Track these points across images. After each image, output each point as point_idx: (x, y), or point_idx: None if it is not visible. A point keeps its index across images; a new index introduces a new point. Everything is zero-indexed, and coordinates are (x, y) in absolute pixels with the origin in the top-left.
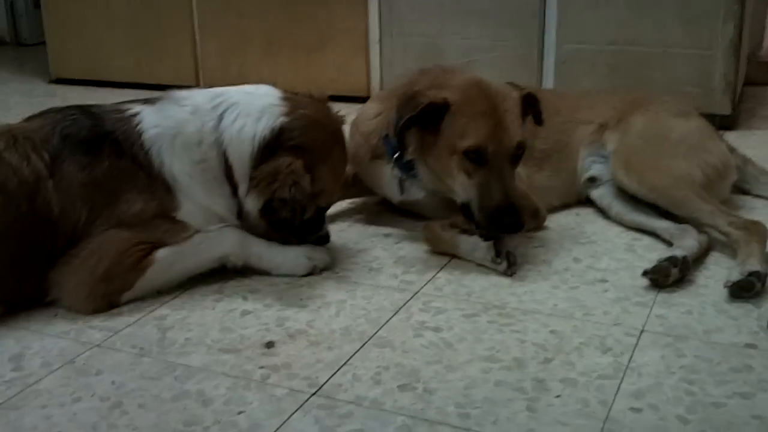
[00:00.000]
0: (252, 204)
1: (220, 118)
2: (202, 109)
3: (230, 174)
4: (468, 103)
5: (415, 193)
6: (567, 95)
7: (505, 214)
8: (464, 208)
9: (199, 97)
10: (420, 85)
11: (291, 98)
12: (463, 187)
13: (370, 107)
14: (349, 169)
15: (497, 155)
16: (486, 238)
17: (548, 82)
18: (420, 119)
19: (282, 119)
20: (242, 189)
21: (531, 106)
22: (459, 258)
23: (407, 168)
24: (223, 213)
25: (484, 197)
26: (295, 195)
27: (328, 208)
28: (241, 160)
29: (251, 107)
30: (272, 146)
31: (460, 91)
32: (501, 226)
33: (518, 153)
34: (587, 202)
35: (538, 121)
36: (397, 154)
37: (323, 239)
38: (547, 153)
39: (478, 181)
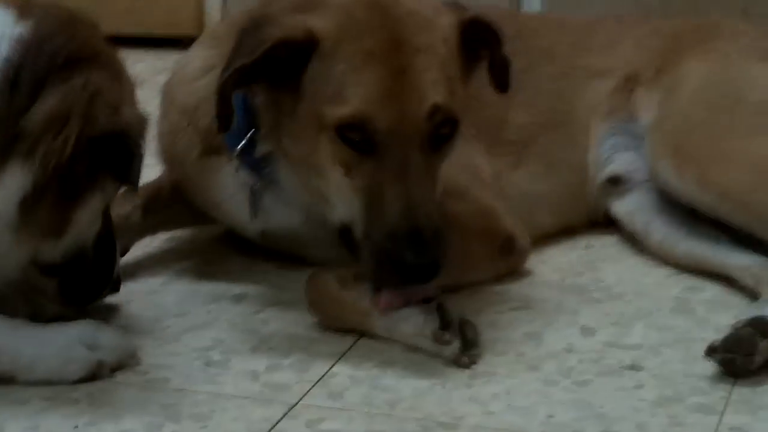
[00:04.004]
0: (16, 181)
1: None
2: None
3: None
4: (350, 37)
5: (282, 214)
6: (567, 24)
7: (404, 246)
8: (344, 234)
9: None
10: (278, 6)
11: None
12: (339, 193)
13: (198, 55)
14: (160, 176)
15: (396, 134)
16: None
17: (533, 3)
18: (267, 70)
19: (22, 24)
20: None
21: (484, 42)
22: (373, 336)
23: (263, 167)
24: None
25: (372, 212)
26: (133, 122)
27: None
28: None
29: None
30: (29, 73)
31: (340, 14)
32: (397, 269)
33: (438, 129)
34: (606, 221)
35: (501, 82)
36: (243, 142)
37: (111, 284)
38: (532, 133)
39: (362, 181)
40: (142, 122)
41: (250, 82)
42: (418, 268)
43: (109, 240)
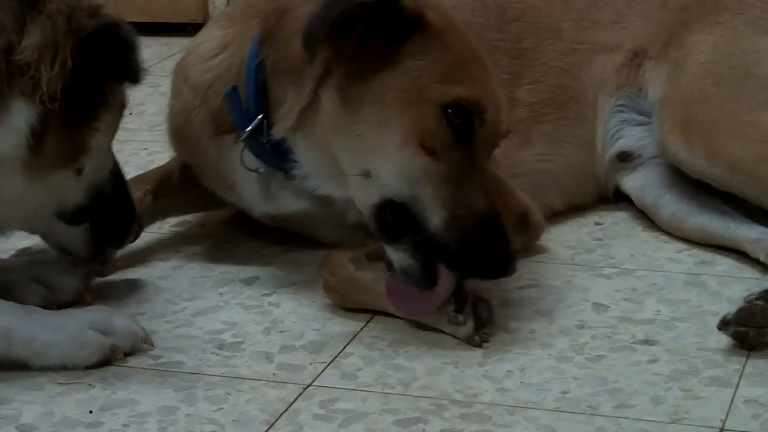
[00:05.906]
0: (23, 118)
1: None
2: None
3: None
4: (458, 39)
5: (290, 198)
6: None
7: (494, 237)
8: (385, 210)
9: None
10: None
11: None
12: (411, 168)
13: (212, 35)
14: (170, 161)
15: (490, 132)
16: (421, 277)
17: None
18: (371, 20)
19: None
20: None
21: None
22: (386, 315)
23: (273, 151)
24: None
25: (459, 200)
26: (118, 19)
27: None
28: None
29: None
30: (7, 13)
31: (444, 11)
32: (487, 262)
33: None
34: (616, 197)
35: None
36: (251, 126)
37: (126, 225)
38: (539, 111)
39: (448, 169)
40: (125, 23)
41: (336, 29)
42: (506, 260)
43: (121, 176)
